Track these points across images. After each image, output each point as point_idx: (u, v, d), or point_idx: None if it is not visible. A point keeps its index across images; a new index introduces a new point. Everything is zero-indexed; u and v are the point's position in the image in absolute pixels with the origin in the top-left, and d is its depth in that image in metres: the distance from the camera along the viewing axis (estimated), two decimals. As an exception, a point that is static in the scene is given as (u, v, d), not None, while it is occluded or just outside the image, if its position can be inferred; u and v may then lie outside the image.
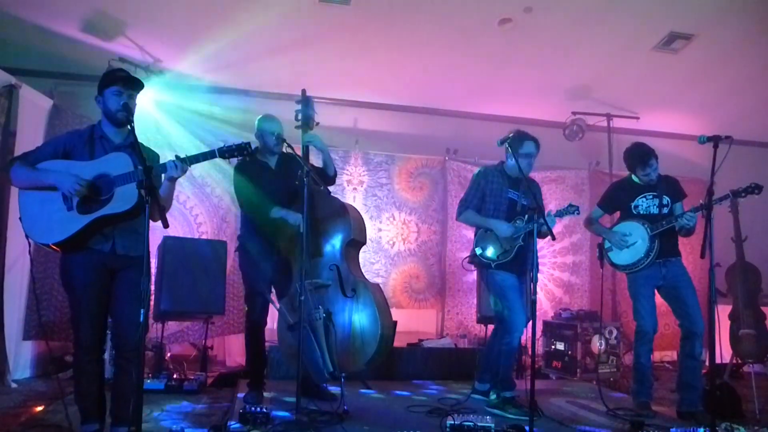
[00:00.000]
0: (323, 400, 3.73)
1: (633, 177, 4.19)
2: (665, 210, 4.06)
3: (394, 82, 6.16)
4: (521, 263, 3.93)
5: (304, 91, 4.07)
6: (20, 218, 2.76)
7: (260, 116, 4.04)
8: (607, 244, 4.19)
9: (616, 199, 4.27)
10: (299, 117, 3.99)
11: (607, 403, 3.99)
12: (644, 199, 4.12)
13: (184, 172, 2.75)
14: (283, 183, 3.94)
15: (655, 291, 4.07)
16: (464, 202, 4.11)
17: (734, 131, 3.50)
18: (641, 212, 4.10)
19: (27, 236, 2.76)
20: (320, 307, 3.67)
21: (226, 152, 2.78)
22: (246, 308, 4.04)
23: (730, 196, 3.66)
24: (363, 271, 4.15)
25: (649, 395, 3.96)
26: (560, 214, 3.78)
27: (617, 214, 4.33)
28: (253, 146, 2.88)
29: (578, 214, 3.81)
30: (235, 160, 3.84)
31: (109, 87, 2.82)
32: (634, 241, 4.02)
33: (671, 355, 6.29)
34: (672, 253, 4.04)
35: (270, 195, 3.87)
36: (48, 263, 4.59)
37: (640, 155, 4.05)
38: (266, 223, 3.86)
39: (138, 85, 2.87)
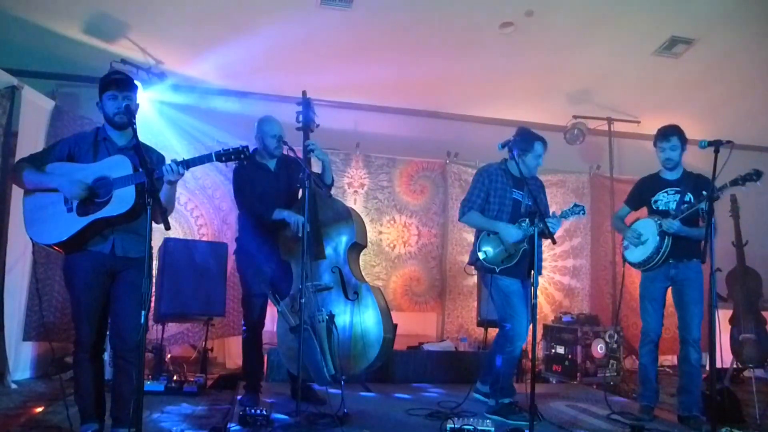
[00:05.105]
0: (314, 402, 3.69)
1: (660, 172, 4.03)
2: (685, 207, 3.84)
3: (395, 85, 6.15)
4: (526, 268, 3.80)
5: (304, 92, 4.03)
6: (23, 219, 2.79)
7: (260, 118, 4.01)
8: (624, 242, 4.06)
9: (639, 195, 4.12)
10: (300, 119, 3.96)
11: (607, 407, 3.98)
12: (665, 194, 3.94)
13: (180, 175, 2.75)
14: (282, 185, 3.94)
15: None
16: (467, 202, 3.92)
17: (735, 136, 3.49)
18: (660, 207, 3.94)
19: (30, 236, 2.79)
20: (323, 309, 3.66)
21: (223, 156, 2.76)
22: (243, 311, 4.00)
23: (727, 186, 3.49)
24: (363, 273, 4.14)
25: (651, 399, 3.93)
26: (565, 215, 3.63)
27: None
28: (251, 149, 2.86)
29: (584, 214, 3.63)
30: (233, 164, 3.80)
31: (104, 92, 2.84)
32: (646, 238, 3.88)
33: (671, 359, 6.28)
34: (687, 255, 3.82)
35: (269, 197, 3.85)
36: (49, 264, 4.60)
37: (663, 129, 3.91)
38: (265, 225, 3.84)
39: (132, 85, 2.88)
